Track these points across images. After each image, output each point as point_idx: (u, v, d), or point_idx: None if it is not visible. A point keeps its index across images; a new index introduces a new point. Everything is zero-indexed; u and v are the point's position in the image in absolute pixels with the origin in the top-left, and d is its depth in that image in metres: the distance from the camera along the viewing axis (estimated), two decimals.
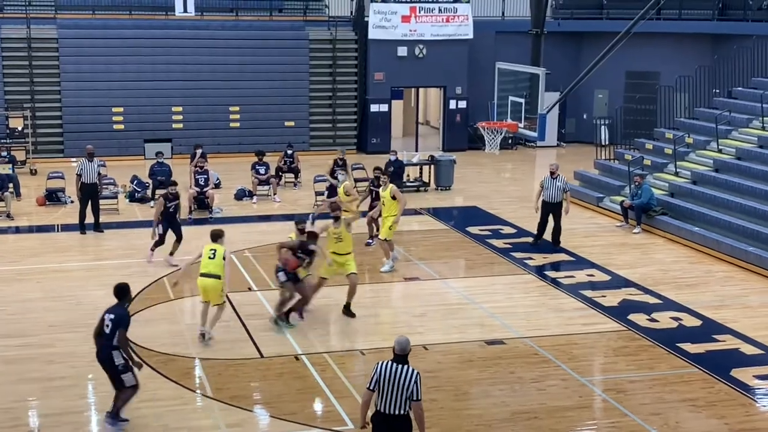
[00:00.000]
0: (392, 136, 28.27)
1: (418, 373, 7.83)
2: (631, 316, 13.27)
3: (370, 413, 8.11)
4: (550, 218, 16.99)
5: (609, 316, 13.36)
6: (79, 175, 17.59)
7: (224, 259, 11.83)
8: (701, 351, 11.98)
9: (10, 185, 20.41)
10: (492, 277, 15.30)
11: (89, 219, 17.72)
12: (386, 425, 7.82)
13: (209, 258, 11.87)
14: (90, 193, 17.68)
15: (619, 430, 9.83)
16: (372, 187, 17.68)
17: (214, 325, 12.13)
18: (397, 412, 7.75)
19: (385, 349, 11.60)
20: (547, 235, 17.06)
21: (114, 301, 9.78)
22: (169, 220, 15.64)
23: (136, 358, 9.75)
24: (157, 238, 15.60)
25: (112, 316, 9.43)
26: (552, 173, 16.93)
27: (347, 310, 13.05)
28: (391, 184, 15.65)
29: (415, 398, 7.74)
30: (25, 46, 25.28)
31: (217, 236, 12.08)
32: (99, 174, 18.16)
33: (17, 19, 25.58)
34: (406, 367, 7.79)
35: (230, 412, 10.08)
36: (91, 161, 17.70)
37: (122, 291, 9.71)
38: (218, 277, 11.85)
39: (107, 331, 9.38)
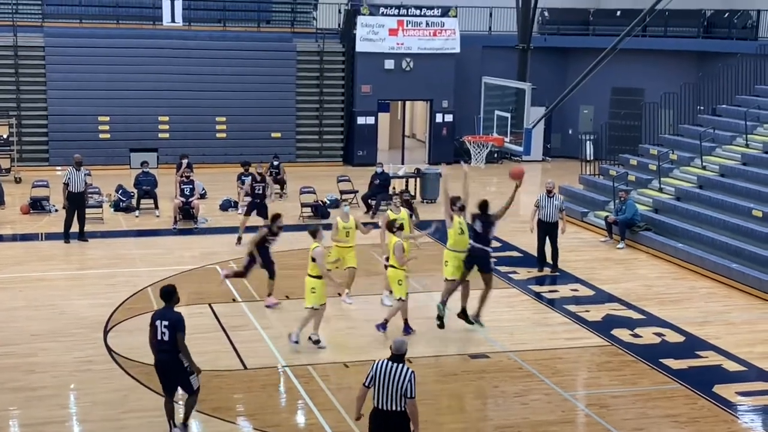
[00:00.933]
0: (378, 148, 28.34)
1: (413, 372, 8.07)
2: (615, 331, 13.32)
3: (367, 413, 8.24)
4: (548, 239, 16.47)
5: (592, 330, 13.40)
6: (67, 184, 17.50)
7: (313, 259, 11.98)
8: (684, 367, 12.03)
9: None
10: (476, 291, 15.30)
11: (74, 228, 17.62)
12: (383, 422, 8.08)
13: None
14: (77, 203, 17.60)
15: None
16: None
17: (302, 327, 12.20)
18: (393, 409, 8.01)
19: (369, 362, 11.59)
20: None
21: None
22: (263, 256, 14.02)
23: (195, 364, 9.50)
24: (259, 263, 13.92)
25: (165, 323, 9.21)
26: (549, 191, 16.40)
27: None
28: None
29: (409, 396, 7.98)
30: (11, 54, 25.22)
31: (311, 234, 12.28)
32: (85, 183, 18.09)
33: (4, 27, 25.51)
34: (401, 365, 8.06)
35: (213, 424, 10.03)
36: (78, 170, 17.63)
37: (168, 294, 9.44)
38: (313, 276, 12.06)
39: (165, 338, 9.18)
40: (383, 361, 8.12)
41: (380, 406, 8.05)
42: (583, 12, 30.23)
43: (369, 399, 8.24)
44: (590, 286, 15.73)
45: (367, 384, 8.12)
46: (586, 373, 12.14)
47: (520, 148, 19.59)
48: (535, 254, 16.76)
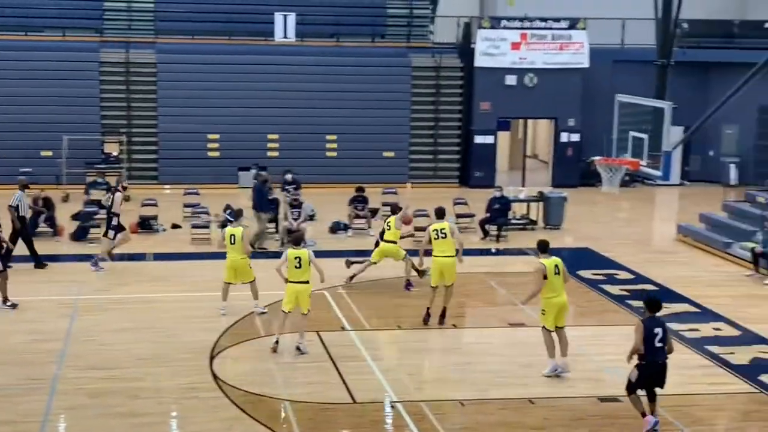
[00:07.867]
0: (497, 169, 28.11)
1: None
2: (764, 377, 12.64)
3: None
4: None
5: (737, 375, 12.77)
6: (16, 207, 17.36)
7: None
8: None
9: None
10: (604, 327, 14.87)
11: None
12: None
13: None
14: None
15: None
16: None
17: None
18: None
19: (486, 400, 11.40)
20: None
21: None
22: None
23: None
24: None
25: None
26: None
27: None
28: None
29: None
30: (123, 71, 26.32)
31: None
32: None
33: (116, 42, 26.70)
34: None
35: None
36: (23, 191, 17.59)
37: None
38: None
39: None
40: None
41: None
42: (726, 24, 29.22)
43: None
44: (735, 325, 15.02)
45: None
46: (730, 423, 11.55)
47: (658, 173, 19.06)
48: (670, 287, 16.27)
